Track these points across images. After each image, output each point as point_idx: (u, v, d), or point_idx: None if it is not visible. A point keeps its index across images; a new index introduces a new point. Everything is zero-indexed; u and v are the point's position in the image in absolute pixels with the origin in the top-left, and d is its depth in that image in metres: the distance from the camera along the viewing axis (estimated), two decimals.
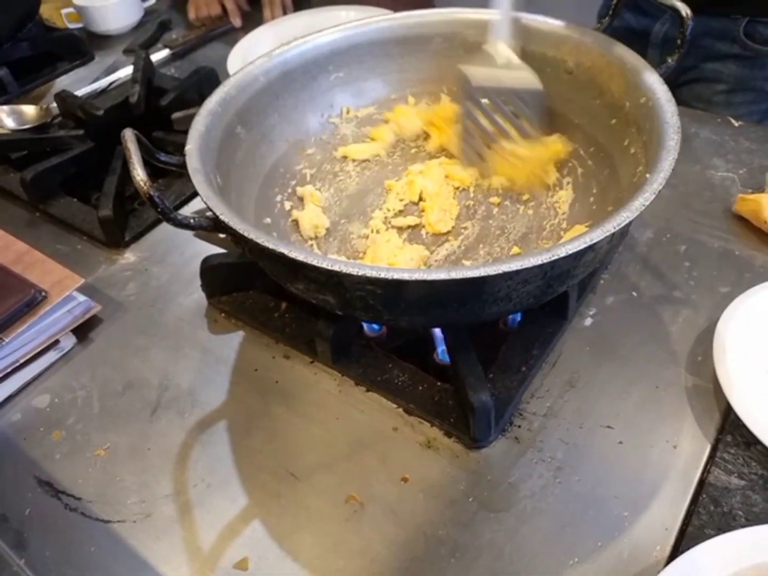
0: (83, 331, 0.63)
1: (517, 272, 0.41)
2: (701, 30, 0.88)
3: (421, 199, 0.68)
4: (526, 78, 0.63)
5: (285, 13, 1.13)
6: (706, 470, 0.49)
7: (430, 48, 0.71)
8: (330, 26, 0.70)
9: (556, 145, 0.65)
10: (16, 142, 0.86)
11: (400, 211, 0.67)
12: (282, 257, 0.44)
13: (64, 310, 0.61)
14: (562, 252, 0.41)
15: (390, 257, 0.60)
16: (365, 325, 0.61)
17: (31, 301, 0.59)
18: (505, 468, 0.50)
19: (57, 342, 0.61)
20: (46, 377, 0.60)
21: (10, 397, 0.58)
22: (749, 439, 0.50)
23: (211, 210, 0.47)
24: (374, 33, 0.70)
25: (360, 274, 0.42)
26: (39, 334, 0.60)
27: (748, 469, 0.49)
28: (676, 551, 0.45)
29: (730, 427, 0.51)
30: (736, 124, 0.81)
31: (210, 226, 0.49)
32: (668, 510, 0.47)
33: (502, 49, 0.64)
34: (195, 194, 0.77)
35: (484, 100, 0.64)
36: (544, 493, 0.49)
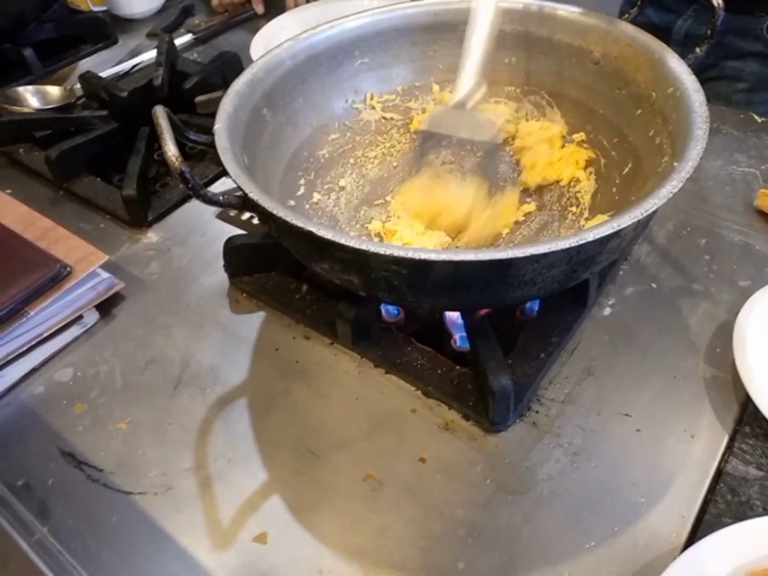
0: (106, 307, 0.63)
1: (543, 255, 0.42)
2: (723, 27, 0.88)
3: None
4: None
5: (308, 0, 1.13)
6: (723, 460, 0.49)
7: (455, 36, 0.70)
8: (355, 12, 0.70)
9: (578, 154, 0.65)
10: (41, 121, 0.87)
11: None
12: (310, 235, 0.44)
13: (88, 285, 0.62)
14: (590, 236, 0.41)
15: (411, 242, 0.61)
16: (383, 310, 0.61)
17: (56, 276, 0.60)
18: (523, 452, 0.51)
19: (80, 317, 0.61)
20: (69, 351, 0.61)
21: (33, 370, 0.59)
22: None
23: (240, 188, 0.48)
24: (400, 19, 0.70)
25: (387, 253, 0.43)
26: (63, 309, 0.60)
27: (767, 461, 0.49)
28: (692, 539, 0.45)
29: (748, 419, 0.51)
30: (759, 120, 0.81)
31: (238, 204, 0.49)
32: (685, 498, 0.47)
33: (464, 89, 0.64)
34: (217, 176, 0.78)
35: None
36: (561, 477, 0.49)
